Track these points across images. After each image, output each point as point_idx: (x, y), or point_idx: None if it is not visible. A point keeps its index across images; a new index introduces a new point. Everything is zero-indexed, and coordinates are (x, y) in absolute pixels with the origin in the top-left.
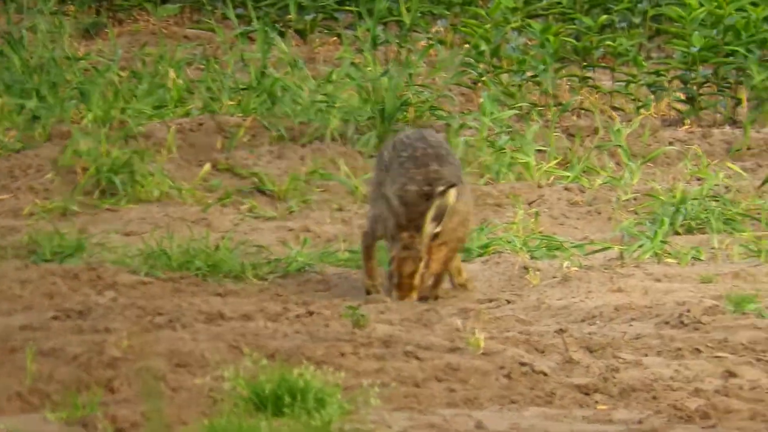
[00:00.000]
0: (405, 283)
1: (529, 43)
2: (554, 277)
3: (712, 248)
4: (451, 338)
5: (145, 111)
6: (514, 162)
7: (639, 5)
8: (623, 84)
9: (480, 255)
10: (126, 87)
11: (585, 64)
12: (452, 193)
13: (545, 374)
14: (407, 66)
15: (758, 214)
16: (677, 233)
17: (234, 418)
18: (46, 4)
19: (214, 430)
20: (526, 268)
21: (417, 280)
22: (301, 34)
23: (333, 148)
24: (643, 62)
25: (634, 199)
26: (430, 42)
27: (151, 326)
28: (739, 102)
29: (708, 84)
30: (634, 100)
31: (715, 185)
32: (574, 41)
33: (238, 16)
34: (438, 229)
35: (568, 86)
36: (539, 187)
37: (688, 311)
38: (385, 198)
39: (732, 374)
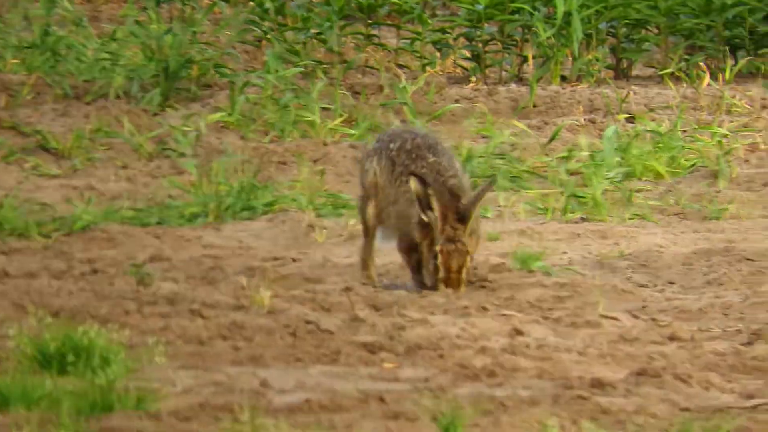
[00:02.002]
0: (453, 278)
1: (314, 0)
2: (340, 235)
3: (499, 206)
4: (237, 296)
5: None
6: (299, 119)
7: None
8: (408, 41)
9: (265, 213)
10: None
11: (370, 21)
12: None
13: (331, 332)
14: (191, 24)
15: (544, 171)
16: None
17: (18, 375)
18: None
19: None
20: (311, 226)
21: (464, 275)
22: None
23: (117, 106)
24: (428, 20)
25: None
26: (214, 0)
27: None
28: (524, 59)
29: (493, 41)
30: (419, 57)
31: (501, 143)
32: None
33: None
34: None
35: (353, 44)
36: (324, 144)
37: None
38: (423, 189)
39: (518, 332)
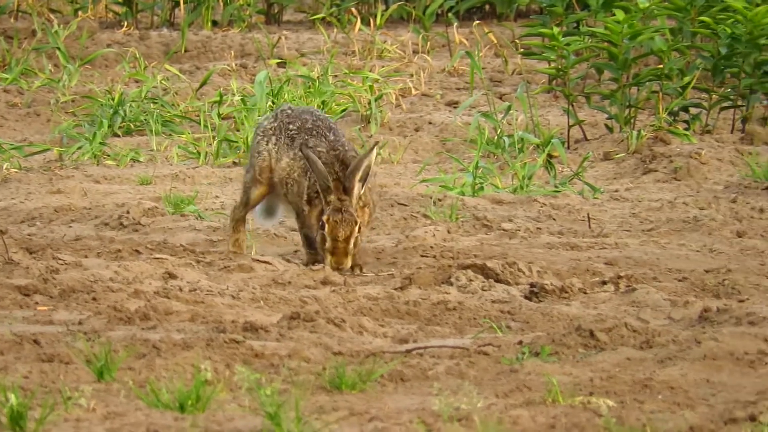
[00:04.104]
0: (340, 247)
1: None
2: None
3: (151, 150)
4: None
5: None
6: None
7: None
8: None
9: None
10: None
11: None
12: (375, 152)
13: None
14: None
15: (196, 116)
16: (116, 135)
17: None
18: None
19: None
20: None
21: (352, 245)
22: None
23: None
24: None
25: (73, 101)
26: None
27: None
28: (176, 4)
29: None
30: (71, 2)
31: (154, 87)
32: None
33: None
34: (363, 191)
35: None
36: None
37: (128, 213)
38: (306, 159)
39: (171, 276)
